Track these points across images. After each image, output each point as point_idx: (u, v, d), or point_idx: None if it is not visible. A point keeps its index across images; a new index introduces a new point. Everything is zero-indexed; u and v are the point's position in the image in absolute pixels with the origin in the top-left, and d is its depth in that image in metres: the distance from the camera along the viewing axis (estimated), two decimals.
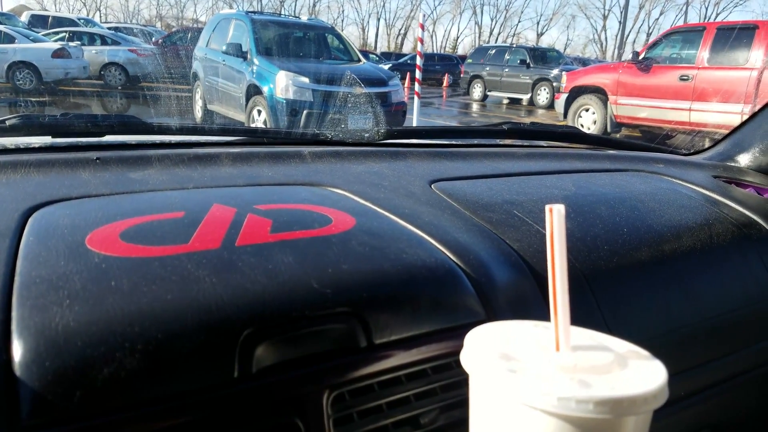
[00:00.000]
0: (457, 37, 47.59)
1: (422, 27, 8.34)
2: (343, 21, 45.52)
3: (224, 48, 7.42)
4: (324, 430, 0.50)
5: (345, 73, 7.16)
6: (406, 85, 11.00)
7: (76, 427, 0.43)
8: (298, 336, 0.52)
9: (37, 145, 0.90)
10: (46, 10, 32.91)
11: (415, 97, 8.30)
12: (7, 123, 0.91)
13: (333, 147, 1.07)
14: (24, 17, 17.04)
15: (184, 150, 0.94)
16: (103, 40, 13.11)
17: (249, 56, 6.98)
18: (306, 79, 6.48)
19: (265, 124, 6.53)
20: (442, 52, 39.52)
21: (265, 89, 6.58)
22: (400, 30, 45.27)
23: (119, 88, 12.10)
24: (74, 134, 0.97)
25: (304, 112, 6.30)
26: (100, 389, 0.44)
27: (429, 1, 44.87)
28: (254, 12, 8.42)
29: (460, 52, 39.90)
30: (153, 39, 16.21)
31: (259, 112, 6.69)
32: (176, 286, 0.51)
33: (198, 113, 8.26)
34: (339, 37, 8.49)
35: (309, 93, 6.44)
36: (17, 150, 0.87)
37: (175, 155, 0.90)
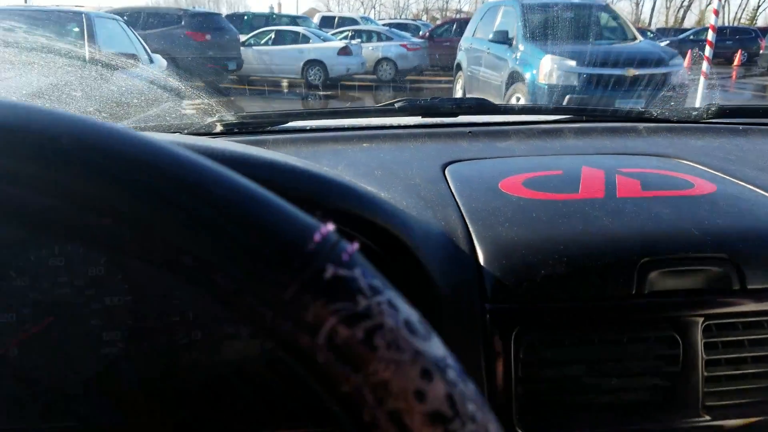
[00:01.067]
0: (758, 6, 40.80)
1: None
2: None
3: (490, 36, 7.44)
4: (696, 349, 0.61)
5: (619, 53, 6.63)
6: (686, 64, 9.78)
7: (524, 307, 0.60)
8: (682, 271, 0.62)
9: (412, 123, 1.16)
10: (331, 10, 37.04)
11: (701, 78, 7.30)
12: (396, 105, 1.19)
13: (659, 123, 1.17)
14: (315, 19, 19.39)
15: (531, 126, 1.13)
16: (379, 37, 14.21)
17: (514, 42, 6.88)
18: (573, 62, 6.15)
19: None
20: (736, 24, 34.31)
21: (527, 75, 6.43)
22: (682, 2, 40.52)
23: (389, 81, 13.00)
24: (438, 114, 1.21)
25: (567, 97, 6.00)
26: (539, 284, 0.60)
27: None
28: None
29: (759, 23, 34.27)
30: (420, 33, 17.09)
31: (518, 99, 6.57)
32: (581, 221, 0.67)
33: None
34: (613, 14, 7.87)
35: (575, 77, 6.11)
36: (403, 126, 1.14)
37: (527, 130, 1.10)
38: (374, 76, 13.16)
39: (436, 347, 0.27)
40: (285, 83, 11.77)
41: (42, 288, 0.71)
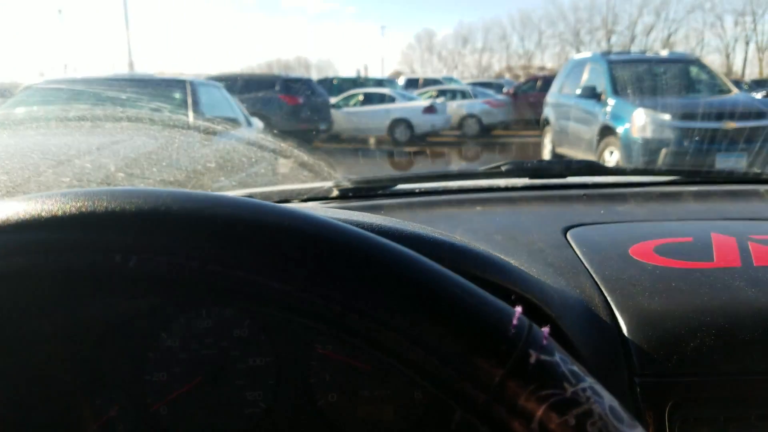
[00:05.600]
0: None
1: None
2: (702, 50, 41.07)
3: (577, 92, 7.37)
4: None
5: (715, 106, 6.37)
6: None
7: (676, 381, 0.58)
8: None
9: (520, 185, 1.17)
10: (415, 72, 38.18)
11: None
12: (503, 168, 1.19)
13: None
14: (400, 81, 19.99)
15: (647, 188, 1.12)
16: (463, 95, 14.44)
17: (603, 97, 6.79)
18: (667, 116, 5.97)
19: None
20: None
21: (619, 129, 6.28)
22: None
23: (474, 137, 13.09)
24: (546, 176, 1.20)
25: (663, 151, 5.78)
26: (689, 357, 0.58)
27: None
28: (610, 53, 8.17)
29: None
30: (504, 90, 17.20)
31: (611, 153, 6.41)
32: (723, 291, 0.64)
33: (546, 157, 8.36)
34: (705, 68, 7.62)
35: (670, 130, 5.90)
36: (513, 188, 1.16)
37: (644, 192, 1.10)
38: (459, 132, 13.31)
39: None
40: (372, 141, 12.11)
41: (190, 348, 0.76)
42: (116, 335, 0.96)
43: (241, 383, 0.73)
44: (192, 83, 5.52)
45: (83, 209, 0.33)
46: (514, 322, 0.30)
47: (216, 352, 0.74)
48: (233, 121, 5.57)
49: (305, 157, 1.85)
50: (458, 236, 0.81)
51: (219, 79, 8.60)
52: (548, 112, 8.46)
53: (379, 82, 17.85)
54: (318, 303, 0.30)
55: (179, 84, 5.47)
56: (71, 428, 0.88)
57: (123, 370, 0.92)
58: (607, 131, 6.56)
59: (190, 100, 5.14)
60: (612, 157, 6.35)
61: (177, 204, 0.33)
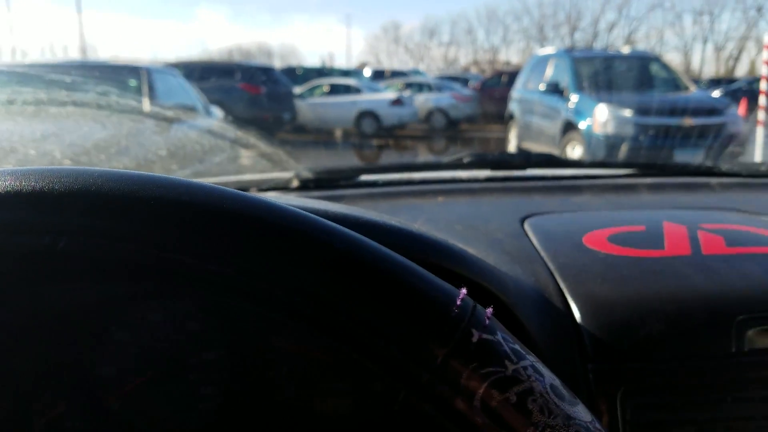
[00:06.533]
0: None
1: None
2: (662, 47, 42.12)
3: (541, 87, 7.47)
4: None
5: (673, 102, 6.55)
6: (741, 112, 9.55)
7: (627, 367, 0.58)
8: None
9: (482, 177, 1.19)
10: (381, 64, 38.24)
11: (759, 127, 7.10)
12: (465, 160, 1.21)
13: (730, 178, 1.17)
14: (367, 72, 19.91)
15: (603, 180, 1.16)
16: (429, 88, 14.47)
17: (566, 93, 6.90)
18: (628, 112, 6.10)
19: None
20: None
21: (581, 125, 6.40)
22: (731, 52, 39.87)
23: (441, 131, 13.15)
24: (507, 168, 1.21)
25: (624, 146, 5.92)
26: (639, 343, 0.59)
27: None
28: (573, 49, 8.31)
29: None
30: (470, 84, 17.32)
31: (574, 148, 6.53)
32: (672, 279, 0.66)
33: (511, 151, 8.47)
34: (665, 65, 7.82)
35: (630, 126, 6.04)
36: (474, 180, 1.16)
37: (600, 184, 1.13)
38: (426, 126, 13.33)
39: (583, 412, 0.27)
40: (339, 133, 12.04)
41: (141, 342, 0.73)
42: (63, 328, 0.93)
43: (195, 377, 0.70)
44: (148, 70, 5.38)
45: (8, 189, 0.32)
46: (458, 302, 0.29)
47: (168, 346, 0.72)
48: (191, 110, 5.46)
49: (266, 147, 1.82)
50: (419, 226, 0.80)
51: (176, 66, 8.38)
52: (513, 107, 8.56)
53: (346, 73, 17.78)
54: (261, 286, 0.29)
55: (134, 71, 5.31)
56: (16, 426, 0.84)
57: (71, 365, 0.89)
58: (569, 127, 6.66)
59: (145, 88, 5.02)
60: (575, 152, 6.47)
61: (108, 183, 0.31)
